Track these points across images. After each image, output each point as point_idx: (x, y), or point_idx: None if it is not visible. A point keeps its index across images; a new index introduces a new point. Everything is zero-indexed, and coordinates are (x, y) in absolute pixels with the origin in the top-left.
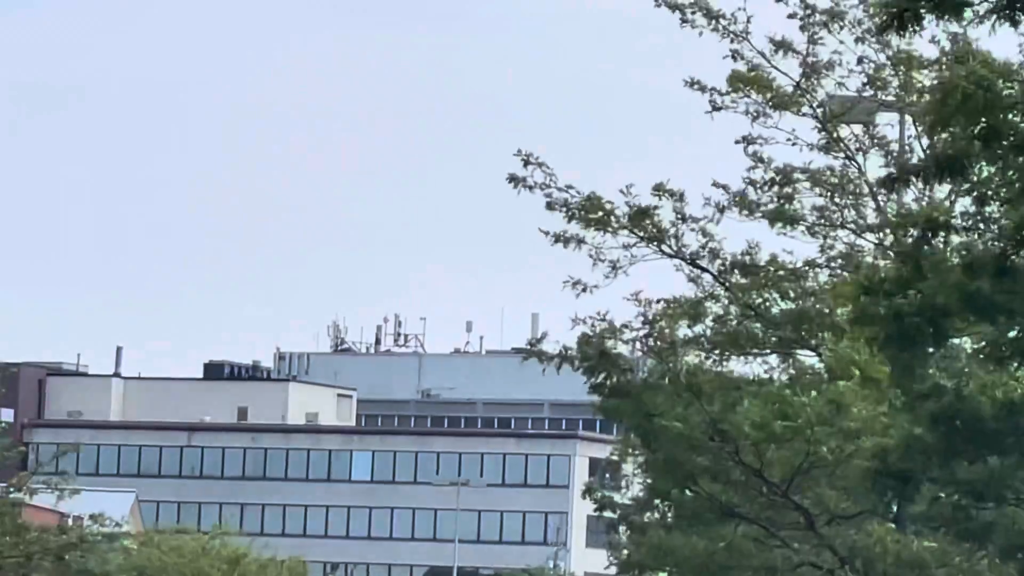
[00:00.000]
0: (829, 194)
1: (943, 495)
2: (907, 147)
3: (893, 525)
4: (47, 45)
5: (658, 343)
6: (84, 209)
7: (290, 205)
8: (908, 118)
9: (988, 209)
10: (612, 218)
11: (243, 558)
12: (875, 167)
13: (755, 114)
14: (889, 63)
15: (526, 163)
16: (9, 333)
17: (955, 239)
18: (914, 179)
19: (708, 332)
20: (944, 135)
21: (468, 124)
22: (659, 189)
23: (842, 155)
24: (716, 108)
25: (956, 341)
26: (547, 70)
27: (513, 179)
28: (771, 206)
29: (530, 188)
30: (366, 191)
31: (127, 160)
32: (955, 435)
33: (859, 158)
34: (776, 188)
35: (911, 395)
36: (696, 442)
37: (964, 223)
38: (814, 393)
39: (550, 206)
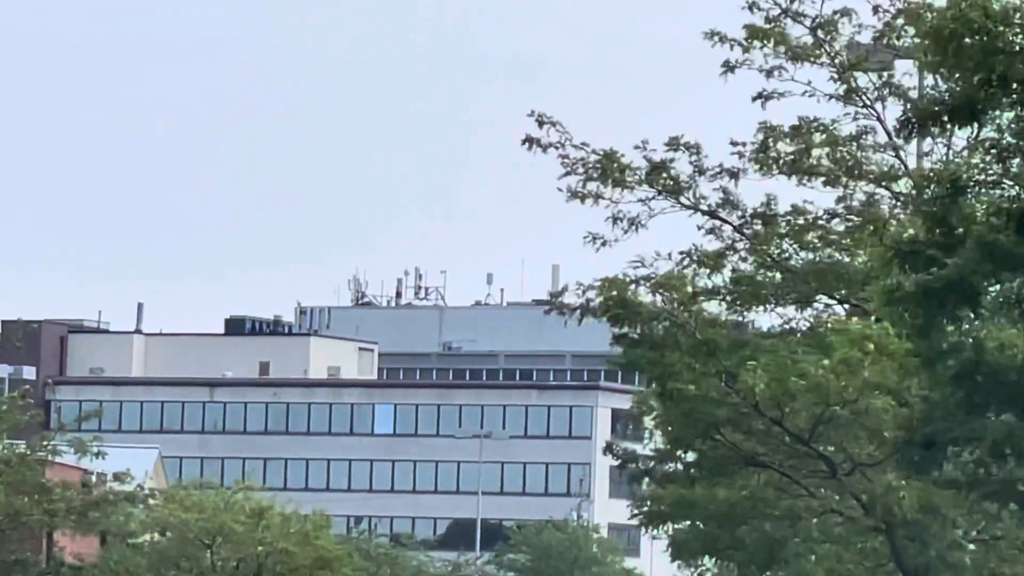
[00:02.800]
0: (847, 144)
1: (965, 453)
2: (925, 94)
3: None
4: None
5: (675, 296)
6: (104, 166)
7: (310, 159)
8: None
9: (1012, 163)
10: (628, 172)
11: (267, 511)
12: (893, 115)
13: (770, 69)
14: (903, 12)
15: (540, 123)
16: (30, 291)
17: (979, 198)
18: (930, 124)
19: (727, 284)
20: (952, 80)
21: (486, 78)
22: (674, 143)
23: (860, 104)
24: (731, 68)
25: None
26: (564, 24)
27: (528, 140)
28: (789, 159)
29: (544, 149)
30: (386, 145)
31: (146, 117)
32: (976, 392)
33: (877, 106)
34: (794, 140)
35: (929, 352)
36: (714, 396)
37: (987, 179)
38: (824, 361)
39: (565, 168)
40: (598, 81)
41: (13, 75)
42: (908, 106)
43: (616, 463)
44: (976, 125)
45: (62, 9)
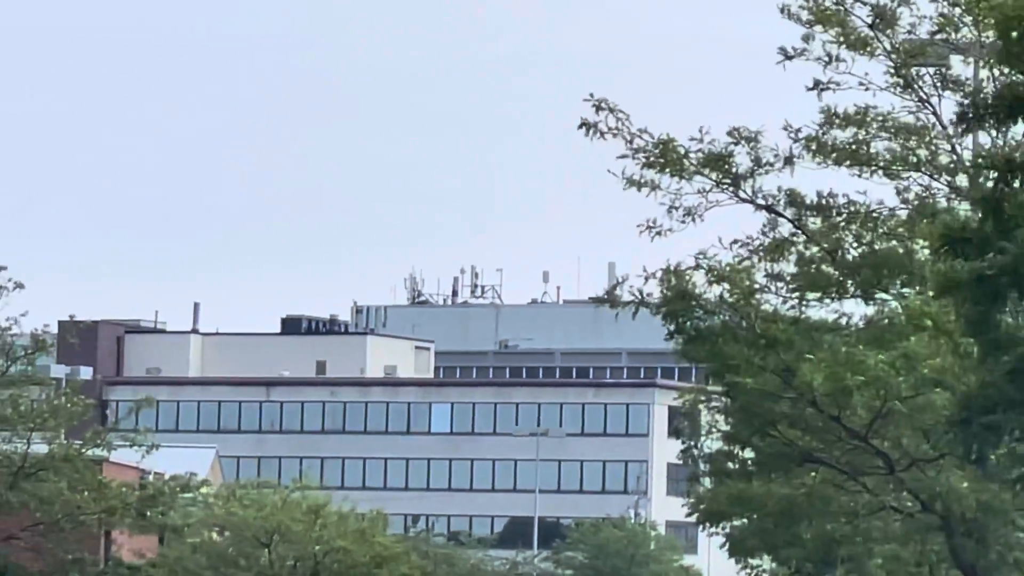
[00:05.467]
0: (903, 136)
1: (1020, 445)
2: (981, 88)
3: (975, 468)
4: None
5: (735, 290)
6: (161, 167)
7: (366, 158)
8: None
9: None
10: (686, 161)
11: (324, 510)
12: (949, 109)
13: (828, 59)
14: (961, 4)
15: (598, 108)
16: (87, 291)
17: None
18: (988, 118)
19: (789, 274)
20: (1015, 70)
21: (542, 72)
22: (735, 133)
23: (916, 97)
24: (788, 57)
25: None
26: (622, 16)
27: (585, 125)
28: (847, 147)
29: (602, 134)
30: (442, 144)
31: (203, 118)
32: None
33: (933, 100)
34: (851, 128)
35: (986, 345)
36: (773, 391)
37: None
38: (883, 356)
39: (626, 151)
40: (654, 75)
41: (69, 75)
42: (965, 100)
43: (681, 448)
44: None
45: (122, 9)
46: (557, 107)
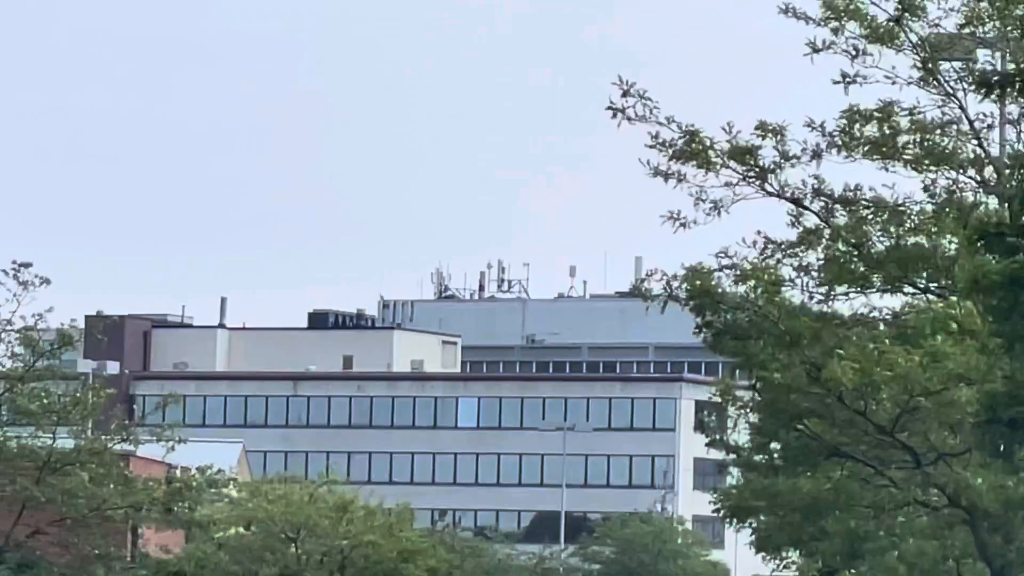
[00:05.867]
0: (929, 131)
1: None
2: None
3: (1001, 463)
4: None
5: (759, 286)
6: (187, 162)
7: (393, 153)
8: (1008, 53)
9: None
10: (712, 152)
11: (351, 505)
12: (976, 103)
13: (854, 52)
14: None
15: (625, 93)
16: (114, 286)
17: None
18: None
19: (817, 265)
20: None
21: (568, 66)
22: (762, 127)
23: (942, 92)
24: (816, 49)
25: None
26: (650, 7)
27: (612, 109)
28: (872, 140)
29: (629, 120)
30: (467, 137)
31: (229, 113)
32: None
33: (959, 95)
34: (877, 122)
35: (1013, 337)
36: (799, 386)
37: None
38: (915, 355)
39: (652, 142)
40: (676, 69)
41: (93, 72)
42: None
43: (706, 441)
44: None
45: (161, 9)
46: (584, 101)
